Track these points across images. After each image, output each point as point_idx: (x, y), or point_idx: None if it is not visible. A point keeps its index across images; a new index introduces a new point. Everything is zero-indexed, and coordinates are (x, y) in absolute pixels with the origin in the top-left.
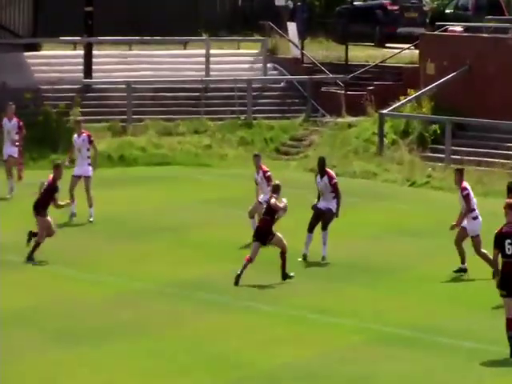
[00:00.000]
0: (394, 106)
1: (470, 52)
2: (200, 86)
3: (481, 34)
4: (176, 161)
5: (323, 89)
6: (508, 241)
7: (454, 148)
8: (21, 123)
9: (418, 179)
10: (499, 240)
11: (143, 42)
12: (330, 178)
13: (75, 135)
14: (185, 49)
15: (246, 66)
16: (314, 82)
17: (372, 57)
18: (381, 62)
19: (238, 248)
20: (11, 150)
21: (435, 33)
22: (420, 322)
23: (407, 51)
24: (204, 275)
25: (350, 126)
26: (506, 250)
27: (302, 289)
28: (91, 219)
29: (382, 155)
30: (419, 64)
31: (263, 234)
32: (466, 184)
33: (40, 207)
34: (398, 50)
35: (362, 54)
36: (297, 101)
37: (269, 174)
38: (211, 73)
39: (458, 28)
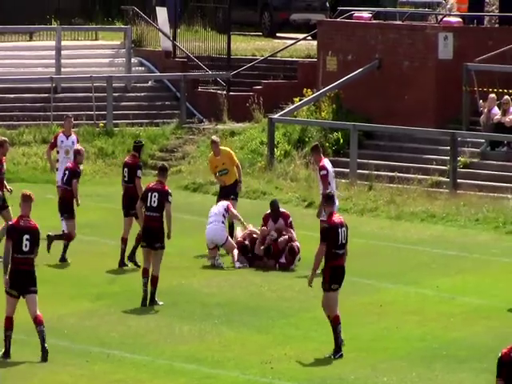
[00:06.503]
0: (286, 110)
1: (382, 44)
2: (49, 86)
3: (393, 22)
4: (19, 177)
5: (200, 88)
6: (26, 236)
7: (360, 160)
8: None
9: (315, 199)
10: None
11: None
12: (286, 218)
13: (61, 134)
14: (30, 40)
15: (106, 60)
16: (189, 80)
17: (260, 49)
18: (271, 56)
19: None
20: None
21: (338, 20)
22: None
23: (303, 42)
24: None
25: (233, 133)
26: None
27: None
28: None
29: (272, 170)
30: (318, 58)
31: None
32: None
33: None
34: (292, 42)
35: (249, 45)
36: (168, 103)
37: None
38: (63, 69)
39: (365, 14)
